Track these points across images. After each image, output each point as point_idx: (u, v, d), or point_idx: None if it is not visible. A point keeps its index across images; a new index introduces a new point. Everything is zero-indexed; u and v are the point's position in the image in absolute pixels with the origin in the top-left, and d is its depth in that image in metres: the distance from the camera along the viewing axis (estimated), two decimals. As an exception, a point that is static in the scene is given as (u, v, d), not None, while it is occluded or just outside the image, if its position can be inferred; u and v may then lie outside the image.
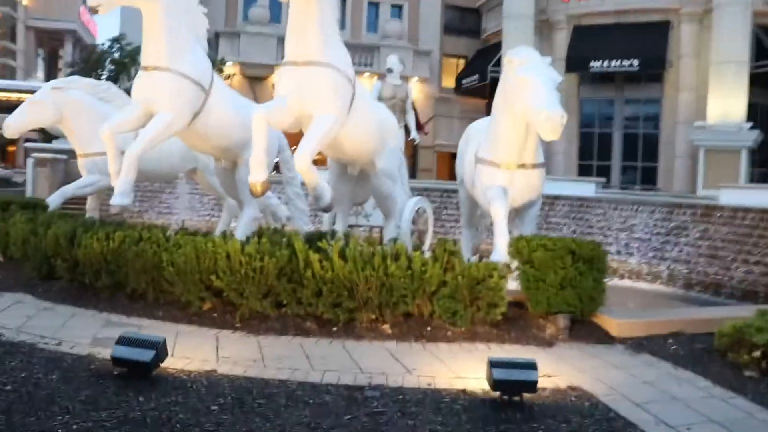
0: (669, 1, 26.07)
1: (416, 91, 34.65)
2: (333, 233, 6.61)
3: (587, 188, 12.98)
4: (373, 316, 6.06)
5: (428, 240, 12.41)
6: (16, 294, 7.25)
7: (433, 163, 34.04)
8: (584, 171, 27.85)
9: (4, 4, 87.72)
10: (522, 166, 7.35)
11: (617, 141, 27.98)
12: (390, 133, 9.10)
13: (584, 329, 6.27)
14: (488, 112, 27.59)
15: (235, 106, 9.16)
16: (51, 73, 46.58)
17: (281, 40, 31.63)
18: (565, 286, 6.08)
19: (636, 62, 25.70)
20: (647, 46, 25.69)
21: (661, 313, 7.23)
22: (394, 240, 9.68)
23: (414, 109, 13.02)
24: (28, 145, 15.86)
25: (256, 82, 31.76)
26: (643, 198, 11.69)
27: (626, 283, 10.38)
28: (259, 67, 31.44)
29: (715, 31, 23.17)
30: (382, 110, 9.24)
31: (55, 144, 15.85)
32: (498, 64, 28.09)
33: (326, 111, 7.20)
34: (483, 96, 31.88)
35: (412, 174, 35.70)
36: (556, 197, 12.15)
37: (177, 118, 8.65)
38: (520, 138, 7.14)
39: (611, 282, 9.97)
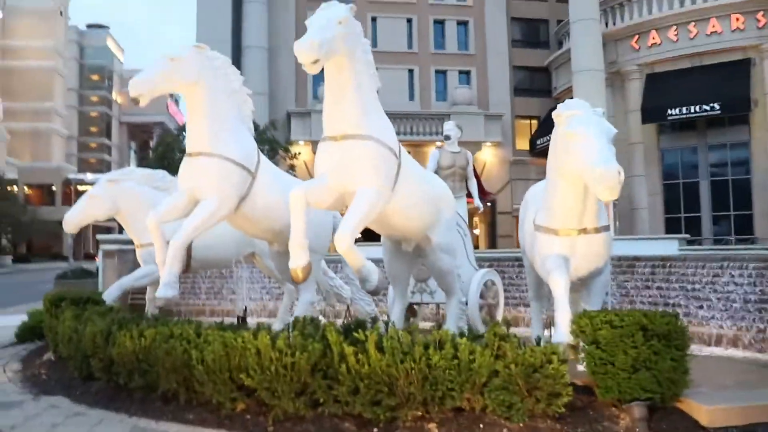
0: (748, 38, 24.84)
1: (490, 155, 34.23)
2: (374, 320, 6.01)
3: (669, 246, 11.90)
4: (418, 413, 5.36)
5: (500, 315, 11.62)
6: (53, 397, 6.98)
7: (512, 229, 33.16)
8: (671, 225, 26.33)
9: (101, 104, 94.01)
10: (583, 231, 6.58)
11: (705, 190, 26.40)
12: (445, 204, 8.54)
13: (667, 419, 5.33)
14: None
15: (283, 187, 8.85)
16: (141, 164, 48.98)
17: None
18: (638, 368, 5.21)
19: (717, 105, 24.45)
20: (728, 88, 24.43)
21: (764, 394, 6.16)
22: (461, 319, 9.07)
23: (476, 175, 12.41)
24: (100, 237, 16.13)
25: (328, 158, 31.95)
26: (732, 253, 10.54)
27: (718, 351, 9.19)
28: (331, 144, 31.72)
29: (800, 65, 21.77)
30: (435, 180, 8.71)
31: (125, 234, 16.08)
32: (570, 120, 27.28)
33: (368, 185, 6.75)
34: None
35: (492, 242, 35.16)
36: (636, 258, 11.13)
37: (223, 203, 8.46)
38: (577, 200, 6.40)
39: (700, 353, 8.91)
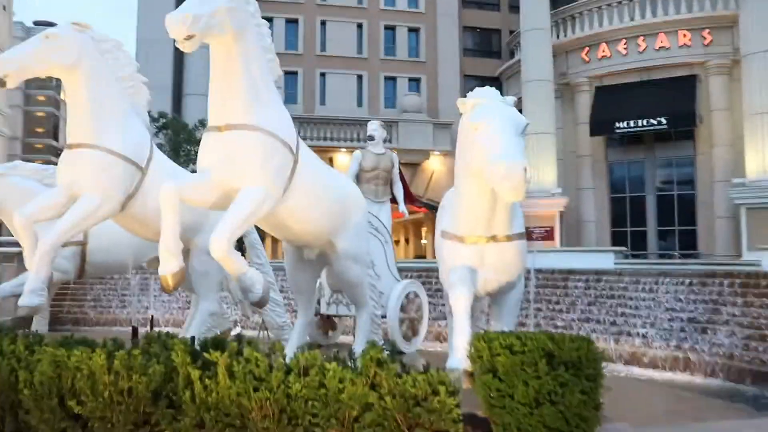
0: (694, 54, 24.66)
1: (438, 164, 33.52)
2: (239, 339, 5.06)
3: (605, 259, 11.23)
4: (276, 454, 4.42)
5: (423, 330, 10.77)
6: None
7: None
8: (618, 239, 25.94)
9: (48, 104, 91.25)
10: (493, 239, 5.73)
11: (651, 204, 26.09)
12: (354, 207, 7.65)
13: (573, 462, 4.50)
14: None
15: (182, 184, 7.87)
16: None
17: (297, 121, 31.65)
18: (541, 402, 4.35)
19: (664, 120, 24.18)
20: (675, 103, 24.18)
21: (691, 429, 5.32)
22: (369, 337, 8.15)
23: (402, 179, 11.57)
24: None
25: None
26: (669, 268, 9.89)
27: (649, 373, 8.48)
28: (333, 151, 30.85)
29: (745, 81, 21.56)
30: (342, 181, 7.81)
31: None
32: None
33: (253, 182, 5.83)
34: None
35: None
36: (570, 272, 10.42)
37: (104, 201, 7.46)
38: (485, 203, 5.55)
39: (629, 374, 8.20)
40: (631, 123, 25.00)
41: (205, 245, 6.67)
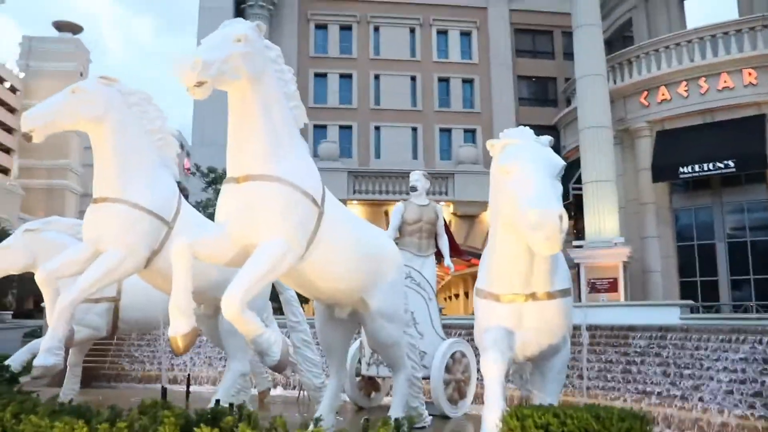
0: (761, 93, 23.44)
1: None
2: (240, 408, 4.52)
3: (669, 314, 10.30)
4: None
5: (471, 392, 10.03)
6: None
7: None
8: (687, 289, 24.53)
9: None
10: (532, 296, 5.10)
11: (721, 252, 24.62)
12: (388, 262, 7.13)
13: None
14: (577, 235, 25.14)
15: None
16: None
17: (353, 174, 31.68)
18: (584, 492, 3.68)
19: (731, 163, 22.97)
20: (742, 144, 22.96)
21: None
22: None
23: (448, 231, 11.03)
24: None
25: (328, 217, 30.85)
26: (744, 324, 8.93)
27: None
28: (388, 204, 30.72)
29: (819, 119, 20.28)
30: (375, 235, 7.31)
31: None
32: (579, 180, 25.98)
33: (272, 236, 5.42)
34: (567, 217, 29.47)
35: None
36: (630, 328, 9.56)
37: (129, 256, 7.25)
38: (521, 256, 4.95)
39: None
40: (696, 167, 23.85)
41: None
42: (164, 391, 9.10)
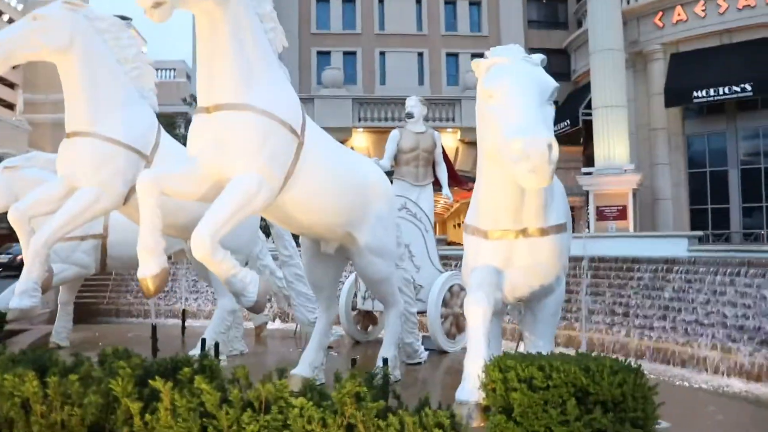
0: (783, 12, 22.30)
1: (502, 141, 32.06)
2: (203, 356, 4.15)
3: (677, 246, 9.80)
4: None
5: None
6: None
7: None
8: (697, 218, 24.05)
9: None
10: (522, 233, 4.63)
11: (734, 179, 23.97)
12: (377, 194, 6.68)
13: None
14: (586, 162, 24.45)
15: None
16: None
17: (357, 102, 30.89)
18: (570, 453, 3.31)
19: (748, 86, 22.04)
20: (761, 67, 21.94)
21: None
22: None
23: (446, 159, 10.47)
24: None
25: (333, 146, 30.27)
26: (755, 255, 8.46)
27: (734, 384, 7.13)
28: (335, 131, 30.17)
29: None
30: (362, 165, 6.81)
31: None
32: (589, 105, 25.16)
33: (245, 170, 4.98)
34: (576, 143, 28.78)
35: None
36: (634, 261, 9.08)
37: (104, 193, 6.88)
38: (510, 189, 4.44)
39: (705, 385, 6.93)
40: (711, 91, 22.94)
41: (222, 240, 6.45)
42: (154, 328, 8.83)
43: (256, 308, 5.30)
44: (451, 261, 11.50)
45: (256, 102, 5.11)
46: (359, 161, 6.90)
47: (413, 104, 10.13)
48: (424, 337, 8.86)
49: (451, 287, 9.53)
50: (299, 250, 9.10)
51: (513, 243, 4.61)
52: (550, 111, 3.88)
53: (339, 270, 7.30)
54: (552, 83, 4.07)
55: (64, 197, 6.93)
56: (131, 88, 7.26)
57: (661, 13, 25.11)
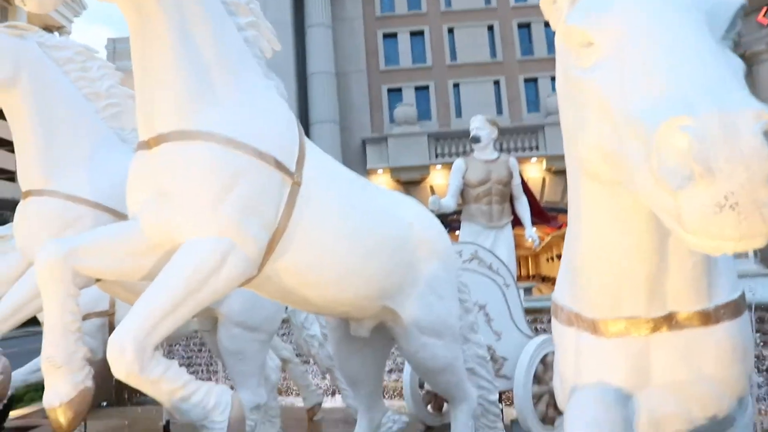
0: None
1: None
2: None
3: None
4: None
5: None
6: None
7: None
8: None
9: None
10: (667, 321, 2.32)
11: None
12: (424, 249, 4.55)
13: None
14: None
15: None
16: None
17: (434, 138, 29.14)
18: None
19: None
20: None
21: None
22: None
23: (527, 191, 8.33)
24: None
25: (411, 186, 28.76)
26: None
27: None
28: (411, 170, 28.60)
29: None
30: (399, 208, 4.66)
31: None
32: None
33: (199, 231, 3.11)
34: None
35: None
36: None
37: None
38: (640, 236, 2.15)
39: None
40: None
41: (234, 315, 5.16)
42: (167, 426, 7.05)
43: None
44: (544, 316, 9.12)
45: (216, 126, 3.21)
46: (397, 203, 4.76)
47: (479, 125, 8.09)
48: (512, 421, 6.68)
49: (544, 357, 7.21)
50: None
51: (650, 342, 2.31)
52: (737, 60, 1.67)
53: (382, 357, 5.23)
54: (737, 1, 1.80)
55: (23, 273, 5.41)
56: (105, 129, 5.68)
57: (765, 9, 22.38)
